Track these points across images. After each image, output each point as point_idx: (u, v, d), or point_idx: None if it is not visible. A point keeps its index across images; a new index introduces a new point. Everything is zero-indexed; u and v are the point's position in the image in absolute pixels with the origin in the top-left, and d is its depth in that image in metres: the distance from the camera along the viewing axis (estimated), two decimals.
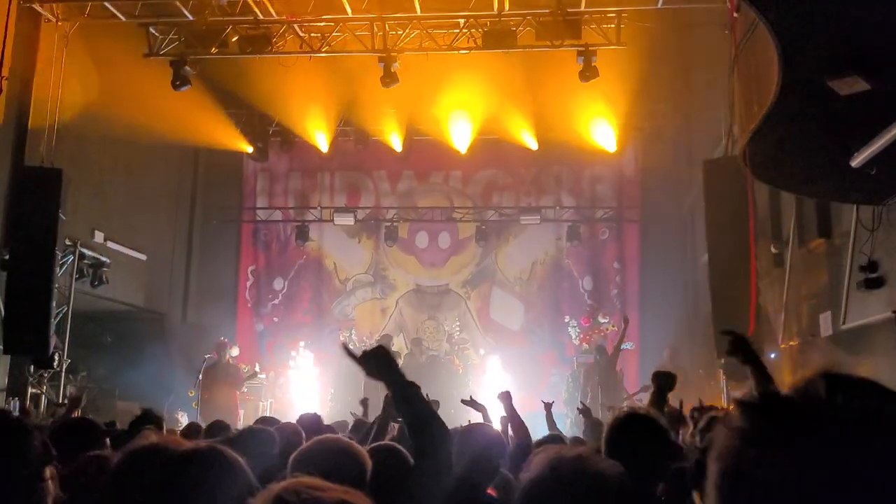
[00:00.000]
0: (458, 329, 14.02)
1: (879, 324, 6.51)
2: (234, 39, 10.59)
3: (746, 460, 0.78)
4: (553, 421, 6.44)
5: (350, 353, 2.34)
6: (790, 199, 8.82)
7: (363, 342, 13.01)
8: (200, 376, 10.16)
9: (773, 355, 9.69)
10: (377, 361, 2.31)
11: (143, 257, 12.50)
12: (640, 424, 2.58)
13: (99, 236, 11.23)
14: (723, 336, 8.56)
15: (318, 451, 2.32)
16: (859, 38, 4.29)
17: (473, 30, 10.32)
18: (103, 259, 11.12)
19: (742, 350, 3.10)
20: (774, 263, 9.36)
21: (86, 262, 10.81)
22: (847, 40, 4.28)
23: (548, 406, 6.57)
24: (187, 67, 10.74)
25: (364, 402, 6.89)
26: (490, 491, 3.13)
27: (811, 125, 5.41)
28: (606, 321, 13.43)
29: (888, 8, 4.11)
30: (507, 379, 12.84)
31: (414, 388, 2.30)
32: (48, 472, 1.70)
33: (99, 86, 10.13)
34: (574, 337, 13.31)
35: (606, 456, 2.25)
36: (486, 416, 6.07)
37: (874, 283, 6.66)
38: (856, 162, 5.42)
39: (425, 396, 2.38)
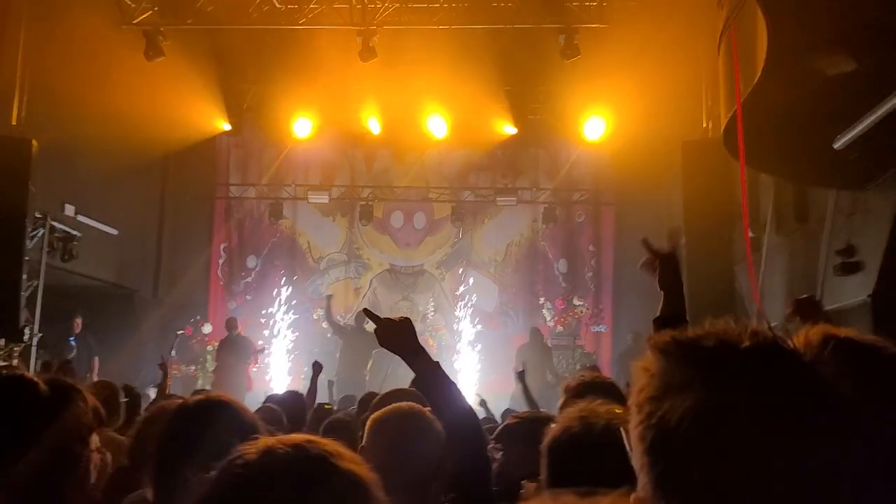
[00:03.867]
0: (432, 310, 13.96)
1: (855, 307, 6.55)
2: (209, 10, 10.35)
3: None
4: (529, 393, 6.05)
5: (372, 315, 2.27)
6: (768, 183, 8.84)
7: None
8: (173, 353, 10.02)
9: None
10: (399, 333, 2.19)
11: (115, 232, 12.22)
12: None
13: (69, 209, 10.94)
14: (697, 319, 8.64)
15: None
16: (849, 16, 4.25)
17: (454, 4, 10.18)
18: (74, 233, 10.85)
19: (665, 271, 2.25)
20: (752, 248, 9.39)
21: (56, 235, 10.54)
22: (836, 18, 4.24)
23: (520, 376, 6.10)
24: (161, 38, 10.48)
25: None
26: None
27: (795, 106, 5.39)
28: (581, 304, 13.44)
29: None
30: (481, 360, 12.87)
31: (438, 369, 2.16)
32: (94, 440, 1.60)
33: (70, 57, 9.83)
34: (549, 319, 13.30)
35: None
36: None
37: (851, 268, 6.71)
38: (839, 144, 5.42)
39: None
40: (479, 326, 13.50)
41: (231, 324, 11.64)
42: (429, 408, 2.21)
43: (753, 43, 4.82)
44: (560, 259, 14.38)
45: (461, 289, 14.08)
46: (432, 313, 13.91)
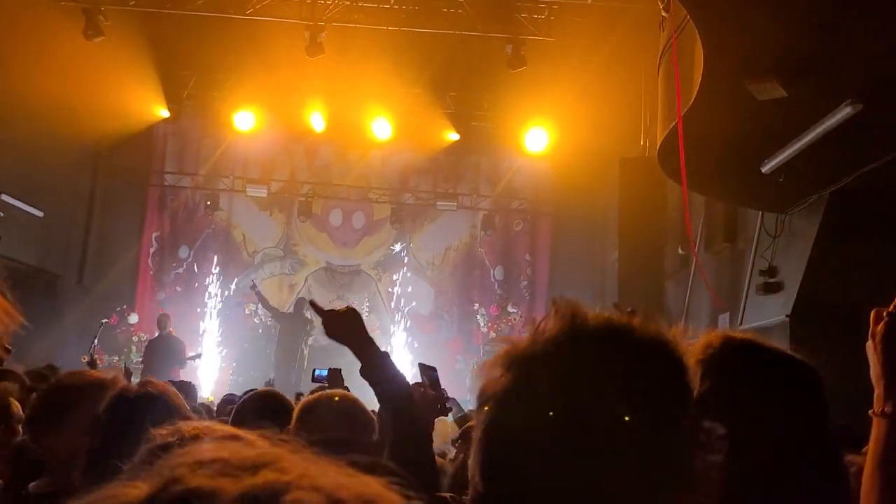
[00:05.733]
0: (367, 310, 13.89)
1: (775, 326, 6.80)
2: None
3: None
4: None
5: (317, 308, 2.28)
6: (699, 202, 9.10)
7: (269, 317, 12.75)
8: (96, 342, 9.70)
9: None
10: (345, 323, 2.22)
11: (40, 214, 11.80)
12: None
13: None
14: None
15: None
16: (780, 46, 4.43)
17: (405, 6, 10.20)
18: None
19: None
20: (681, 264, 9.65)
21: None
22: (770, 47, 4.41)
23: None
24: (101, 17, 10.19)
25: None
26: None
27: (726, 130, 5.58)
28: (515, 311, 13.59)
29: (807, 18, 4.26)
30: (414, 363, 12.86)
31: (386, 357, 2.21)
32: None
33: (1, 30, 9.47)
34: (482, 325, 13.40)
35: None
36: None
37: (773, 288, 6.97)
38: (766, 168, 5.63)
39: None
40: (413, 329, 13.52)
41: (163, 322, 10.92)
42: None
43: (691, 66, 4.97)
44: (497, 266, 14.51)
45: (397, 291, 14.07)
46: (367, 314, 13.83)
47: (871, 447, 1.24)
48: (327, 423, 2.39)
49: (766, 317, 7.07)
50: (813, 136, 5.09)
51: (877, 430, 1.23)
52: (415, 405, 2.19)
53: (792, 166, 5.58)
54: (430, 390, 2.44)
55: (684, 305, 9.42)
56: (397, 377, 2.19)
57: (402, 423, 2.14)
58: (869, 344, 1.28)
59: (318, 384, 4.44)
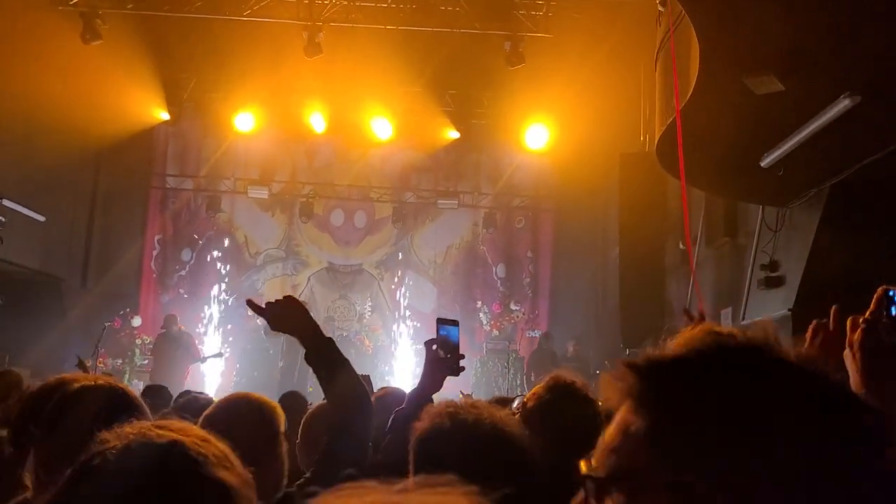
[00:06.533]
0: (369, 310, 13.90)
1: (777, 321, 6.79)
2: None
3: None
4: None
5: (254, 306, 2.20)
6: (700, 198, 9.09)
7: None
8: (99, 345, 9.72)
9: None
10: (286, 312, 2.16)
11: (42, 218, 11.82)
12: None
13: None
14: (628, 327, 8.72)
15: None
16: (776, 40, 4.42)
17: (403, 5, 10.20)
18: None
19: None
20: (682, 260, 9.64)
21: None
22: (766, 41, 4.40)
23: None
24: (99, 21, 10.20)
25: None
26: None
27: (725, 123, 5.57)
28: (518, 308, 13.58)
29: (803, 12, 4.25)
30: (416, 361, 12.87)
31: (330, 344, 2.16)
32: None
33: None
34: (485, 323, 13.40)
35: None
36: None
37: (774, 282, 6.96)
38: (765, 162, 5.62)
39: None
40: (415, 328, 13.52)
41: (170, 320, 11.09)
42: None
43: (688, 61, 4.96)
44: (499, 263, 14.52)
45: (399, 290, 14.07)
46: (369, 313, 13.85)
47: None
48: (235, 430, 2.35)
49: (768, 311, 7.05)
50: (812, 129, 5.08)
51: None
52: (360, 392, 2.12)
53: (791, 160, 5.58)
54: (441, 350, 2.36)
55: (685, 300, 9.40)
56: (342, 363, 2.14)
57: (344, 410, 2.08)
58: (846, 352, 1.26)
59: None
